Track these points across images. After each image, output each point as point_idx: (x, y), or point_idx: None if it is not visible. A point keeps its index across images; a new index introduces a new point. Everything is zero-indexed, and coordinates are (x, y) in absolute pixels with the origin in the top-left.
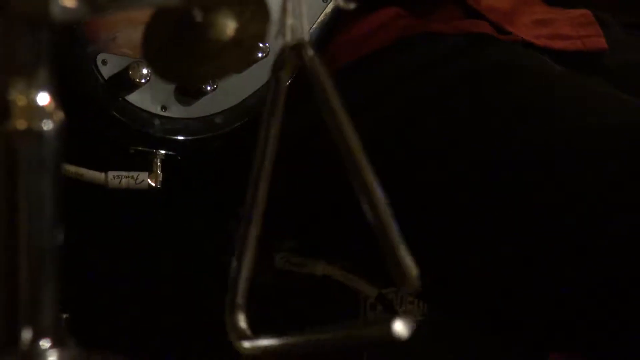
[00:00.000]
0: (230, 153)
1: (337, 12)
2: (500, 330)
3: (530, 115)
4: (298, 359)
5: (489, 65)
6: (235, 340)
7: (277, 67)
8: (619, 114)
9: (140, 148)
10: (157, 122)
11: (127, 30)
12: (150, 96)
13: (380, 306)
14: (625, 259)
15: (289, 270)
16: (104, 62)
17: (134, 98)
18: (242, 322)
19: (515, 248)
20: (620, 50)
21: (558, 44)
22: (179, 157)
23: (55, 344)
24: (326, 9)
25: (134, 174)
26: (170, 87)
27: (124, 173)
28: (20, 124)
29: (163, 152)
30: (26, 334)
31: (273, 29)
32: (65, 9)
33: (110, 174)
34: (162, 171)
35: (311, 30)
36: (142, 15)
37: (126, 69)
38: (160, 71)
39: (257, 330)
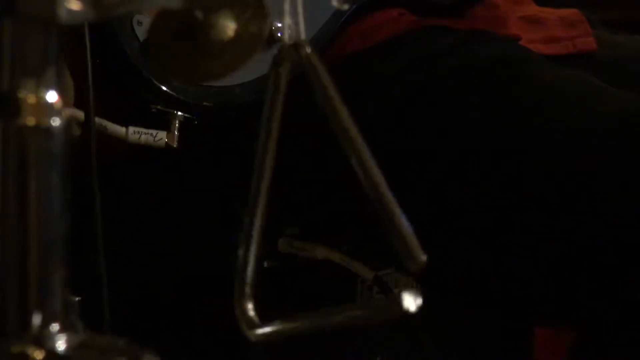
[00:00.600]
0: (245, 122)
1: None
2: (490, 306)
3: (522, 105)
4: None
5: (486, 57)
6: (245, 328)
7: (276, 64)
8: (604, 104)
9: (161, 107)
10: (181, 83)
11: None
12: (162, 78)
13: (377, 287)
14: (608, 238)
15: (291, 253)
16: (139, 23)
17: None
18: (250, 310)
19: (504, 228)
20: (606, 48)
21: (550, 50)
22: (196, 122)
23: (63, 328)
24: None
25: (153, 131)
26: None
27: (143, 130)
28: (30, 121)
29: (181, 114)
30: (36, 319)
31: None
32: (71, 11)
33: (131, 128)
34: (179, 132)
35: (324, 25)
36: None
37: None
38: (163, 69)
39: (262, 311)
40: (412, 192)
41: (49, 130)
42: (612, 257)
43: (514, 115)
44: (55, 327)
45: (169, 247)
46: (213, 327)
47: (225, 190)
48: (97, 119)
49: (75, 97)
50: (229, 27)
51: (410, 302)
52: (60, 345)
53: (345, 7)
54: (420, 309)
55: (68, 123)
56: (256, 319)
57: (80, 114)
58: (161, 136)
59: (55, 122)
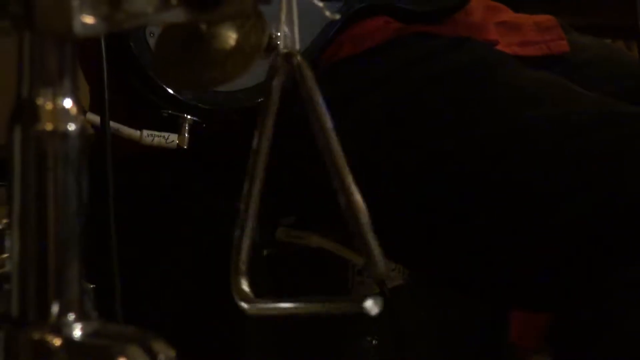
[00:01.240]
0: (246, 129)
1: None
2: (470, 291)
3: (498, 106)
4: None
5: (467, 61)
6: (238, 301)
7: (271, 71)
8: (575, 107)
9: (172, 112)
10: (189, 90)
11: None
12: (169, 86)
13: (366, 273)
14: (579, 228)
15: (288, 242)
16: (152, 35)
17: None
18: (244, 285)
19: (483, 224)
20: (577, 51)
21: (526, 51)
22: (204, 124)
23: (79, 317)
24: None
25: (165, 134)
26: None
27: (156, 132)
28: (48, 126)
29: (191, 117)
30: (54, 309)
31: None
32: (85, 25)
33: (145, 132)
34: (189, 134)
35: (317, 34)
36: None
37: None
38: (170, 77)
39: (261, 293)
40: (397, 188)
41: (65, 134)
42: (581, 248)
43: (491, 116)
44: (71, 316)
45: (176, 240)
46: (211, 323)
47: (232, 186)
48: (114, 124)
49: (93, 102)
50: (231, 37)
51: (372, 307)
52: (77, 332)
53: (337, 16)
54: (406, 296)
55: (83, 128)
56: (250, 294)
57: (96, 118)
58: (173, 138)
59: (71, 127)
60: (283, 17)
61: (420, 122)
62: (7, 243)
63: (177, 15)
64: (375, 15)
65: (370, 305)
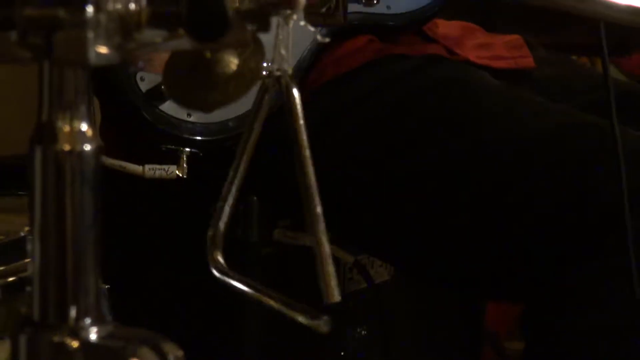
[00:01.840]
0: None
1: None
2: (449, 285)
3: (470, 120)
4: None
5: (441, 79)
6: (212, 268)
7: (262, 88)
8: (541, 119)
9: (170, 146)
10: (183, 125)
11: (159, 55)
12: (178, 105)
13: (356, 269)
14: (547, 228)
15: (285, 242)
16: (142, 79)
17: (165, 107)
18: (219, 256)
19: (461, 222)
20: (544, 66)
21: (496, 64)
22: (201, 154)
23: (95, 321)
24: (315, 38)
25: (166, 166)
26: None
27: (157, 166)
28: (66, 146)
29: (188, 149)
30: (72, 313)
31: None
32: (100, 54)
33: (147, 166)
34: (187, 164)
35: (304, 54)
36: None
37: (160, 84)
38: (178, 99)
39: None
40: (380, 195)
41: (81, 154)
42: (549, 246)
43: (465, 128)
44: (88, 320)
45: (178, 256)
46: (212, 326)
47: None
48: (117, 162)
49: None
50: (232, 62)
51: (322, 325)
52: (93, 335)
53: (327, 40)
54: (391, 290)
55: (98, 148)
56: (224, 265)
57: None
58: (172, 169)
59: (87, 147)
60: (279, 40)
61: (400, 135)
62: (29, 247)
63: (183, 43)
64: (357, 34)
65: (320, 324)
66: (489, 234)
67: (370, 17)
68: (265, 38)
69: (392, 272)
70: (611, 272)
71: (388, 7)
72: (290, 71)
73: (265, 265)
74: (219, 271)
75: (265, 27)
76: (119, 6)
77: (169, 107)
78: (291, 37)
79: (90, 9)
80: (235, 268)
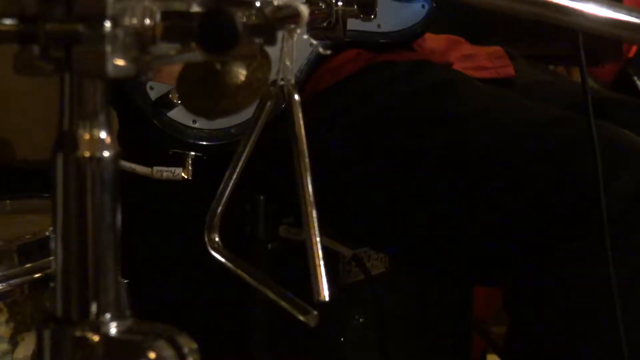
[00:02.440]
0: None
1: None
2: (439, 270)
3: (456, 116)
4: None
5: (429, 82)
6: (209, 248)
7: (265, 95)
8: (522, 113)
9: (176, 150)
10: (189, 131)
11: (168, 66)
12: (184, 113)
13: (354, 262)
14: (529, 214)
15: (288, 238)
16: (152, 88)
17: (173, 114)
18: (216, 237)
19: (449, 210)
20: (523, 75)
21: (480, 74)
22: (205, 157)
23: (115, 316)
24: (313, 50)
25: (172, 169)
26: None
27: (164, 168)
28: (86, 153)
29: (193, 153)
30: (93, 309)
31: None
32: (117, 67)
33: (155, 168)
34: (192, 167)
35: (303, 65)
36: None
37: (167, 93)
38: (190, 107)
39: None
40: (374, 188)
41: (100, 160)
42: (531, 230)
43: (452, 124)
44: (108, 315)
45: (185, 255)
46: (220, 324)
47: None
48: (128, 164)
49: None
50: (241, 73)
51: (310, 319)
52: (113, 330)
53: (328, 52)
54: (387, 281)
55: (116, 154)
56: (220, 245)
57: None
58: (179, 172)
59: (106, 154)
60: (284, 53)
61: (392, 133)
62: (52, 246)
63: (195, 56)
64: (349, 48)
65: (309, 319)
66: (475, 221)
67: (361, 35)
68: (270, 49)
69: (388, 264)
70: (588, 254)
71: (378, 26)
72: (292, 81)
73: (271, 259)
74: (216, 251)
75: (271, 40)
76: (134, 21)
77: (176, 114)
78: (295, 47)
79: (108, 24)
80: (245, 252)
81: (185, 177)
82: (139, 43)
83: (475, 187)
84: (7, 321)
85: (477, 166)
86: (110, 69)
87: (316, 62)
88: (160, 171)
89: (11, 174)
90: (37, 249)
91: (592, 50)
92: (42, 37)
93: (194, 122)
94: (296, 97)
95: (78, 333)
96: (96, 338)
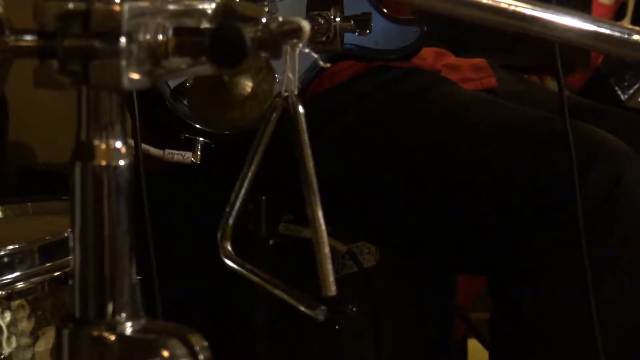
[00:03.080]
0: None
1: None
2: (428, 261)
3: (441, 118)
4: None
5: (421, 86)
6: (222, 256)
7: (271, 106)
8: (497, 113)
9: (188, 135)
10: (215, 127)
11: None
12: (200, 123)
13: (348, 256)
14: (507, 208)
15: (288, 234)
16: None
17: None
18: (228, 245)
19: (428, 206)
20: (504, 83)
21: (465, 86)
22: (213, 145)
23: (129, 316)
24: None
25: (182, 152)
26: None
27: (175, 151)
28: (102, 162)
29: (202, 139)
30: (109, 310)
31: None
32: (132, 80)
33: (167, 150)
34: (200, 152)
35: (305, 70)
36: None
37: (185, 82)
38: (200, 117)
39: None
40: (369, 182)
41: (116, 168)
42: (509, 222)
43: (438, 125)
44: (123, 315)
45: (191, 239)
46: (226, 321)
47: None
48: (144, 145)
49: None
50: (248, 85)
51: (319, 314)
52: (128, 329)
53: (328, 65)
54: (378, 272)
55: (131, 163)
56: (232, 253)
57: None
58: (188, 155)
59: (121, 162)
60: (287, 65)
61: (384, 132)
62: (71, 246)
63: (205, 69)
64: (349, 59)
65: (318, 313)
66: (458, 215)
67: (360, 50)
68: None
69: (379, 258)
70: (564, 243)
71: (376, 42)
72: (296, 92)
73: (272, 254)
74: (228, 258)
75: (276, 54)
76: (148, 37)
77: None
78: (298, 60)
79: (123, 40)
80: (246, 256)
81: (194, 160)
82: (153, 57)
83: (460, 182)
84: (29, 317)
85: (461, 163)
86: (125, 83)
87: (315, 70)
88: (172, 153)
89: (33, 176)
90: (57, 248)
91: (563, 60)
92: (60, 53)
93: None
94: (300, 108)
95: (95, 333)
96: (112, 337)
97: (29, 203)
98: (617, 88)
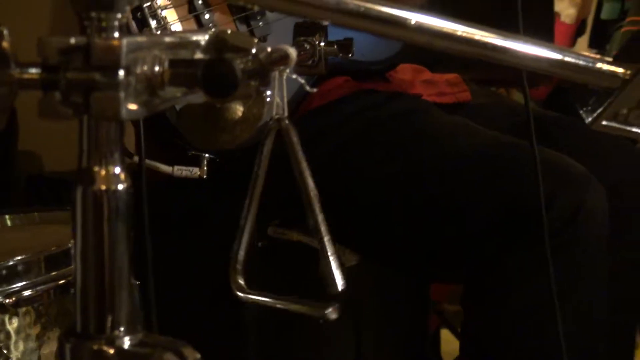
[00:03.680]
0: (247, 160)
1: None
2: (400, 267)
3: (420, 141)
4: None
5: (402, 110)
6: (235, 291)
7: (266, 130)
8: (474, 140)
9: (195, 152)
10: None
11: None
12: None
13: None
14: (482, 227)
15: (276, 237)
16: None
17: None
18: (240, 280)
19: (406, 223)
20: (477, 97)
21: (441, 99)
22: (217, 160)
23: (127, 331)
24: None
25: (190, 168)
26: None
27: (184, 167)
28: (102, 186)
29: (208, 155)
30: (108, 325)
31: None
32: (130, 110)
33: (176, 167)
34: (207, 167)
35: (296, 89)
36: None
37: (189, 105)
38: (194, 140)
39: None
40: (354, 197)
41: (115, 192)
42: (483, 240)
43: (418, 148)
44: (122, 330)
45: (193, 247)
46: (217, 322)
47: (236, 202)
48: (153, 162)
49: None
50: (238, 109)
51: (332, 313)
52: (126, 343)
53: (314, 90)
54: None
55: (129, 187)
56: (245, 287)
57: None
58: (196, 170)
59: (120, 187)
60: (275, 89)
61: (366, 152)
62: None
63: (199, 97)
64: (337, 75)
65: (330, 312)
66: (436, 231)
67: (349, 63)
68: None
69: (359, 259)
70: (532, 261)
71: (362, 55)
72: (286, 113)
73: (261, 254)
74: (241, 291)
75: (266, 83)
76: (145, 68)
77: None
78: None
79: (122, 73)
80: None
81: (201, 175)
82: (149, 88)
83: (436, 201)
84: (35, 322)
85: (437, 184)
86: (124, 113)
87: (304, 91)
88: (181, 170)
89: (41, 184)
90: (61, 258)
91: (528, 74)
92: (63, 85)
93: None
94: (292, 129)
95: (95, 346)
96: (111, 351)
97: (35, 213)
98: (581, 112)
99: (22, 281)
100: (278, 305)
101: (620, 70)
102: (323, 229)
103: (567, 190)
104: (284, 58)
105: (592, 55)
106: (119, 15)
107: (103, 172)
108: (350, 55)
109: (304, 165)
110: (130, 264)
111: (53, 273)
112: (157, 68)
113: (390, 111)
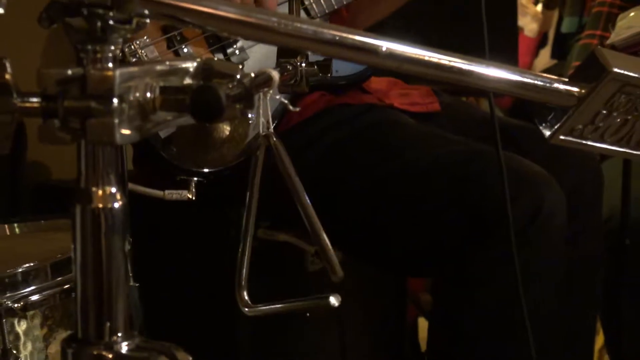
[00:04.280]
0: (235, 179)
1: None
2: (378, 264)
3: (395, 150)
4: None
5: (375, 121)
6: (241, 306)
7: (256, 146)
8: (443, 148)
9: (183, 177)
10: (191, 162)
11: None
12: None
13: (316, 255)
14: (453, 227)
15: (266, 238)
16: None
17: None
18: (245, 295)
19: (390, 222)
20: (447, 107)
21: (414, 109)
22: (205, 182)
23: (125, 336)
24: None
25: (180, 191)
26: None
27: (174, 191)
28: (99, 205)
29: (196, 178)
30: (107, 331)
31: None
32: (124, 135)
33: (167, 191)
34: (195, 189)
35: (278, 107)
36: None
37: (174, 133)
38: (185, 159)
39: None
40: (336, 204)
41: (111, 210)
42: (455, 239)
43: (391, 157)
44: (120, 336)
45: (186, 263)
46: (209, 326)
47: (225, 221)
48: (143, 188)
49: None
50: (225, 129)
51: (334, 301)
52: (124, 348)
53: (297, 109)
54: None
55: (125, 206)
56: (249, 301)
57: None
58: (185, 193)
59: (116, 205)
60: (261, 109)
61: (345, 161)
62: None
63: (188, 120)
64: (312, 90)
65: (333, 300)
66: (410, 232)
67: (323, 79)
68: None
69: (342, 257)
70: (498, 260)
71: (336, 71)
72: (272, 129)
73: (252, 255)
74: (246, 306)
75: (250, 105)
76: (138, 95)
77: None
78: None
79: (115, 101)
80: (229, 257)
81: (190, 197)
82: (142, 113)
83: (409, 205)
84: (42, 324)
85: (410, 188)
86: (118, 138)
87: (284, 109)
88: (171, 193)
89: (48, 192)
90: (66, 265)
91: None
92: (61, 112)
93: None
94: (279, 143)
95: (95, 352)
96: (110, 356)
97: (42, 221)
98: (541, 127)
99: (29, 287)
100: (286, 309)
101: (575, 89)
102: (322, 232)
103: (528, 192)
104: (268, 81)
105: (550, 76)
106: (113, 47)
107: (100, 192)
108: (329, 75)
109: (294, 175)
110: (127, 275)
111: (58, 279)
112: (148, 95)
113: (364, 123)
